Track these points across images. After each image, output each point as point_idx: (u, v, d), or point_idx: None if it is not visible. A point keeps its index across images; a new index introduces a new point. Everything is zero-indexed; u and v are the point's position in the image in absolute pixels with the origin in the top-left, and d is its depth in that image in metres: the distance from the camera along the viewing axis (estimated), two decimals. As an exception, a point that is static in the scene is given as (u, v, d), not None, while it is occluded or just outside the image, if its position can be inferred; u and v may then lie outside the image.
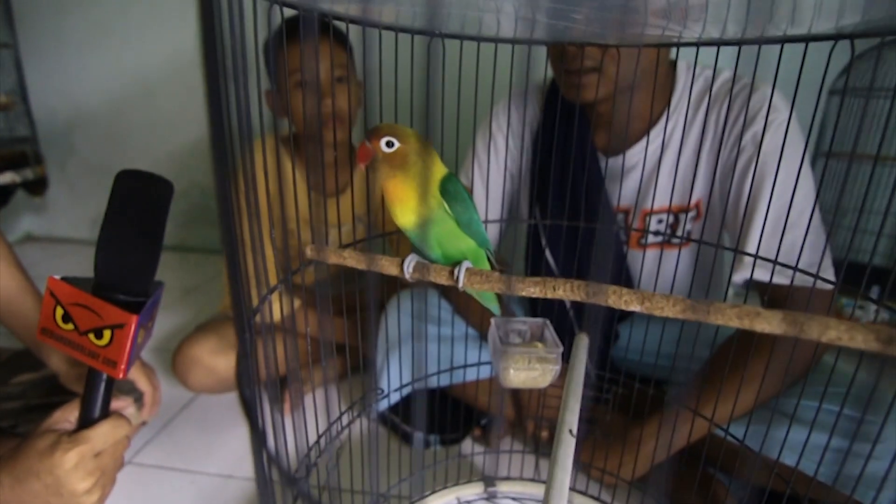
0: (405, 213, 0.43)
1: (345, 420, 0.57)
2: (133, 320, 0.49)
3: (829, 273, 0.63)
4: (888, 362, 0.42)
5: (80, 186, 1.99)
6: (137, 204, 0.52)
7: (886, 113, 0.44)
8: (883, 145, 0.48)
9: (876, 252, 0.50)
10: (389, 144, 0.42)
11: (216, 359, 1.02)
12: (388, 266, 0.41)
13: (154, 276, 0.53)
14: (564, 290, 0.35)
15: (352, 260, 0.41)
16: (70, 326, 0.51)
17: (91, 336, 0.50)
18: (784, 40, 0.45)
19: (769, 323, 0.32)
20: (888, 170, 1.27)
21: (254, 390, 0.27)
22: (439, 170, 0.44)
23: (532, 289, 0.36)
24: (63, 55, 1.85)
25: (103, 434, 0.52)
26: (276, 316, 0.40)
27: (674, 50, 0.84)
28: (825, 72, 0.45)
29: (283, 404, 0.96)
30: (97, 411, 0.53)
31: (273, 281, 0.42)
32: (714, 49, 0.53)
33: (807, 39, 0.43)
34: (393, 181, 0.42)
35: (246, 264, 0.32)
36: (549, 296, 0.35)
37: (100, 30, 1.80)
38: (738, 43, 0.48)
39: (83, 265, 1.79)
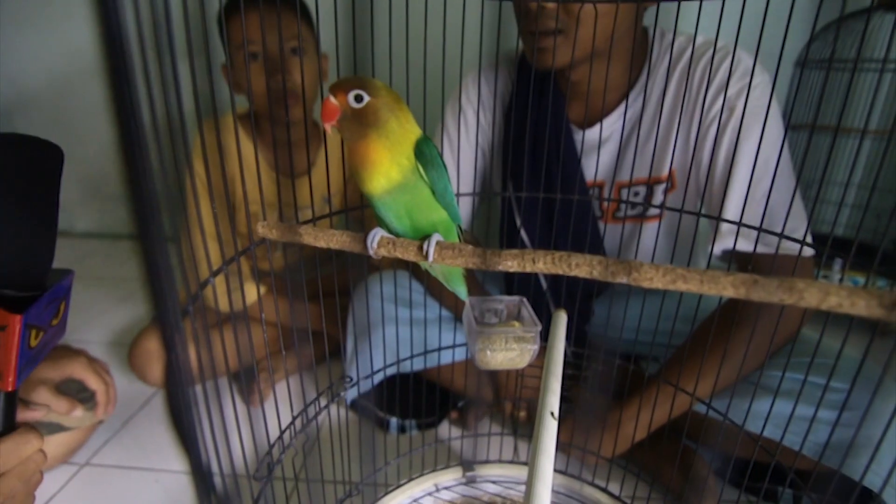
0: (375, 178, 0.38)
1: (311, 411, 0.53)
2: (16, 321, 0.41)
3: (809, 240, 0.62)
4: (853, 331, 0.41)
5: (25, 173, 1.86)
6: (19, 176, 0.42)
7: (847, 83, 0.43)
8: (843, 116, 0.46)
9: (838, 223, 0.49)
10: (358, 99, 0.37)
11: None
12: (349, 242, 0.37)
13: (50, 263, 0.45)
14: (544, 263, 0.32)
15: (308, 237, 0.37)
16: None
17: None
18: (770, -9, 0.42)
19: (766, 290, 0.29)
20: (850, 141, 1.29)
21: (186, 396, 0.23)
22: (414, 129, 0.39)
23: (509, 262, 0.32)
24: (-1, 33, 1.71)
25: (6, 452, 0.44)
26: (224, 303, 0.36)
27: (650, 16, 0.81)
28: (813, 29, 0.43)
29: (250, 396, 0.92)
30: None
31: (216, 264, 0.37)
32: (695, 8, 0.50)
33: (794, -10, 0.41)
34: (364, 141, 0.37)
35: (188, 247, 0.28)
36: (528, 269, 0.32)
37: (39, 5, 1.66)
38: (722, -4, 0.45)
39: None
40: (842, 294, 0.29)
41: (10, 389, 0.43)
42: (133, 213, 0.19)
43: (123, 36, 0.19)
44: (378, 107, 0.37)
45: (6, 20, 1.69)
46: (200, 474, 0.23)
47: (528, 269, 0.32)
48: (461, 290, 0.51)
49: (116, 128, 0.19)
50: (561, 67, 0.75)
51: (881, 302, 0.28)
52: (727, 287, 0.30)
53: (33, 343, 0.43)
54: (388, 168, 0.38)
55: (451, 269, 0.48)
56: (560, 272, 0.32)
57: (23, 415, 0.68)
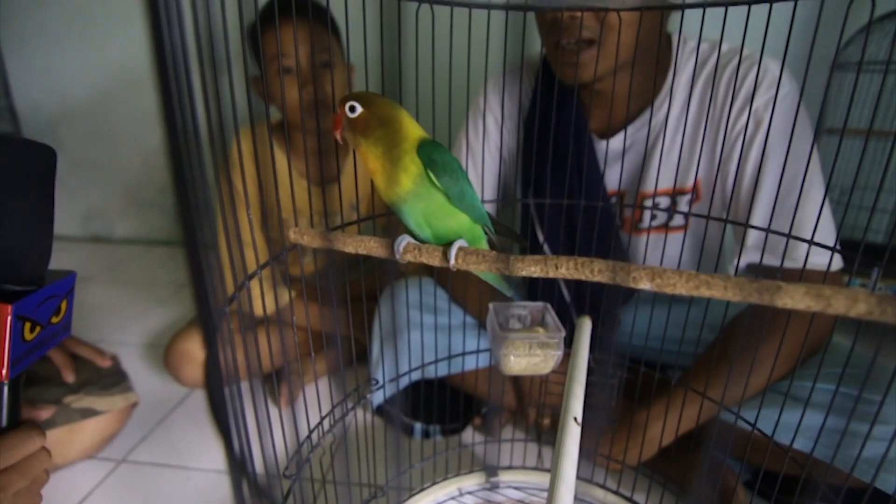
0: (386, 185, 0.40)
1: (338, 413, 0.54)
2: (5, 311, 0.42)
3: (837, 255, 0.60)
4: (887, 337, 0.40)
5: (68, 182, 1.95)
6: (13, 176, 0.43)
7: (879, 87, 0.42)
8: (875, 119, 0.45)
9: (875, 230, 0.48)
10: (352, 109, 0.39)
11: None
12: (377, 248, 0.39)
13: (48, 260, 0.46)
14: (567, 269, 0.33)
15: (338, 242, 0.38)
16: None
17: None
18: (797, -3, 0.42)
19: (792, 297, 0.29)
20: (882, 144, 1.24)
21: (223, 392, 0.24)
22: (412, 131, 0.40)
23: (533, 268, 0.33)
24: (45, 48, 1.80)
25: (6, 448, 0.45)
26: (258, 307, 0.37)
27: (674, 22, 0.81)
28: (841, 33, 0.42)
29: (279, 398, 0.94)
30: (3, 420, 0.46)
31: (249, 269, 0.39)
32: (720, 13, 0.50)
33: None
34: (360, 149, 0.40)
35: (220, 252, 0.29)
36: (552, 275, 0.33)
37: (82, 21, 1.75)
38: (748, 2, 0.45)
39: (74, 263, 1.76)
40: (871, 301, 0.28)
41: (2, 380, 0.44)
42: (180, 219, 0.20)
43: (173, 48, 0.20)
44: (367, 117, 0.39)
45: (51, 39, 1.78)
46: (236, 467, 0.25)
47: (552, 274, 0.33)
48: (503, 287, 0.51)
49: (165, 137, 0.20)
50: (587, 81, 0.74)
51: (911, 309, 0.27)
52: (752, 294, 0.30)
53: (28, 336, 0.44)
54: (394, 173, 0.39)
55: None
56: (583, 278, 0.32)
57: (29, 413, 0.69)
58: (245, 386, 0.31)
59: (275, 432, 0.36)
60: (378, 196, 0.41)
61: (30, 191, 0.44)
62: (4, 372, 0.43)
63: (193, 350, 0.99)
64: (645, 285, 0.31)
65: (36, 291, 0.44)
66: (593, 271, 0.32)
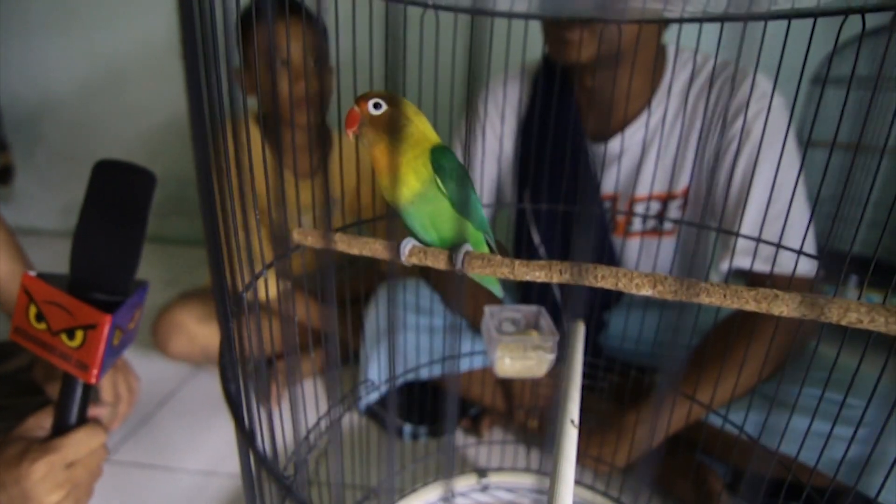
0: (396, 186, 0.40)
1: (334, 413, 0.54)
2: (106, 320, 0.46)
3: (814, 262, 0.62)
4: (870, 349, 0.41)
5: (49, 175, 1.90)
6: (116, 197, 0.48)
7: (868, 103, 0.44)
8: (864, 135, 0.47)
9: (855, 241, 0.50)
10: (377, 106, 0.39)
11: (201, 327, 0.99)
12: (382, 250, 0.39)
13: (135, 273, 0.50)
14: (571, 274, 0.33)
15: (343, 244, 0.38)
16: (43, 326, 0.48)
17: (63, 337, 0.47)
18: (792, 15, 0.43)
19: (788, 306, 0.30)
20: (868, 159, 1.28)
21: (239, 385, 0.25)
22: (430, 135, 0.41)
23: (537, 272, 0.34)
24: (29, 39, 1.76)
25: (76, 443, 0.48)
26: (264, 295, 0.37)
27: (668, 33, 0.82)
28: (834, 49, 0.44)
29: (268, 394, 0.93)
30: (72, 418, 0.49)
31: (265, 260, 0.39)
32: (716, 28, 0.51)
33: (815, 14, 0.42)
34: (380, 147, 0.39)
35: (236, 243, 0.29)
36: (556, 280, 0.33)
37: (67, 12, 1.71)
38: (744, 18, 0.46)
39: (53, 257, 1.71)
40: (861, 311, 0.30)
41: (93, 382, 0.47)
42: (201, 203, 0.21)
43: (203, 33, 0.20)
44: (396, 115, 0.39)
45: (35, 29, 1.74)
46: (254, 461, 0.25)
47: (556, 279, 0.34)
48: (497, 290, 0.51)
49: (190, 123, 0.20)
50: (586, 61, 0.74)
51: (900, 319, 0.29)
52: (749, 301, 0.31)
53: (115, 342, 0.48)
54: (405, 174, 0.39)
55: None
56: (585, 283, 0.33)
57: (91, 411, 0.71)
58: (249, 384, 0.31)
59: (276, 431, 0.36)
60: (379, 198, 0.41)
61: (129, 211, 0.48)
62: (95, 373, 0.46)
63: (186, 321, 0.98)
64: (647, 292, 0.32)
65: (125, 301, 0.48)
66: (596, 277, 0.33)
